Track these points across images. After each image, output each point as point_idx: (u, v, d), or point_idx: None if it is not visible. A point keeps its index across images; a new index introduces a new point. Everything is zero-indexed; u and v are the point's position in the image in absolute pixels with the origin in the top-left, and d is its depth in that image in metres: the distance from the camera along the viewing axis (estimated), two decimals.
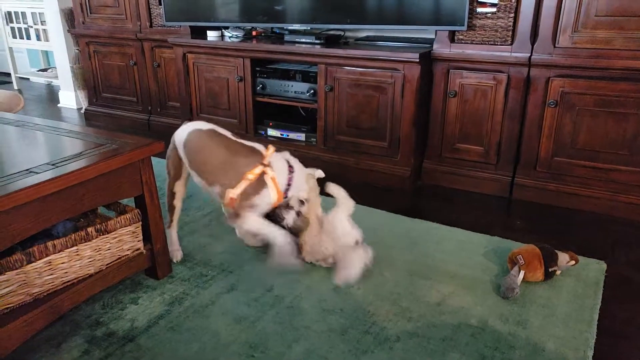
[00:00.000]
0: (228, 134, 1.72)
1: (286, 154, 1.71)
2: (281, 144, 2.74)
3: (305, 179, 1.66)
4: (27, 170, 1.30)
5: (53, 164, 1.35)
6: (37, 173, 1.28)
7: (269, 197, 1.61)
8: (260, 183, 1.59)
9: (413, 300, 1.54)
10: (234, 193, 1.58)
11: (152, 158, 1.61)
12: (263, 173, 1.60)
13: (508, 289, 1.54)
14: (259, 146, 1.68)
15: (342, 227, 1.63)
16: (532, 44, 2.10)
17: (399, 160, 2.41)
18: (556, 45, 2.06)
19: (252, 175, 1.59)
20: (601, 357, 1.33)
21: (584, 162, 2.14)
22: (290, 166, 1.66)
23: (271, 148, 1.67)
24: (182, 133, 1.70)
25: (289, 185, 1.64)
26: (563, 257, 1.63)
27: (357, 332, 1.40)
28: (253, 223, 1.61)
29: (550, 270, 1.59)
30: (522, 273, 1.58)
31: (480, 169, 2.37)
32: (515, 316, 1.47)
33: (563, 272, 1.66)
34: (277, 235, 1.60)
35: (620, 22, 1.93)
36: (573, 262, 1.65)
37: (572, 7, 1.99)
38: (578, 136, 2.12)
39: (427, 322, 1.45)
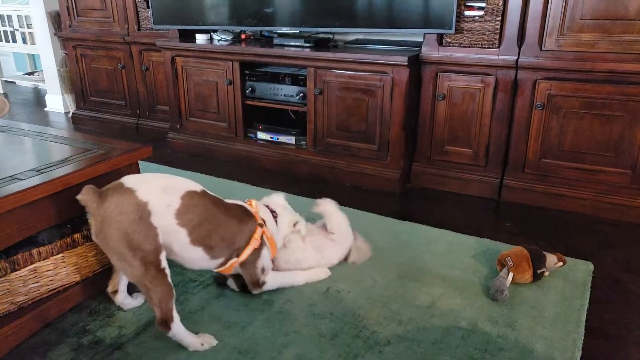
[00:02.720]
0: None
1: (271, 198, 1.65)
2: (271, 147, 2.73)
3: (288, 224, 1.61)
4: (11, 176, 1.29)
5: (38, 170, 1.34)
6: (21, 180, 1.27)
7: (269, 256, 1.55)
8: (259, 245, 1.49)
9: (403, 303, 1.55)
10: (238, 262, 1.46)
11: (140, 163, 1.60)
12: (262, 234, 1.50)
13: (497, 291, 1.55)
14: (241, 203, 1.53)
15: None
16: (519, 47, 2.12)
17: (389, 163, 2.41)
18: (543, 48, 2.08)
19: (256, 241, 1.47)
20: (589, 357, 1.34)
21: (570, 164, 2.16)
22: (272, 211, 1.59)
23: (253, 202, 1.55)
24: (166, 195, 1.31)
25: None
26: (551, 259, 1.65)
27: (347, 336, 1.40)
28: (277, 281, 1.58)
29: (538, 271, 1.61)
30: (511, 275, 1.59)
31: (469, 171, 2.38)
32: (504, 318, 1.47)
33: (551, 273, 1.67)
34: (305, 277, 1.64)
35: (605, 25, 1.95)
36: (561, 263, 1.66)
37: (558, 10, 2.01)
38: (565, 138, 2.14)
39: (417, 325, 1.45)
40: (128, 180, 1.28)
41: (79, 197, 1.22)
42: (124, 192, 1.24)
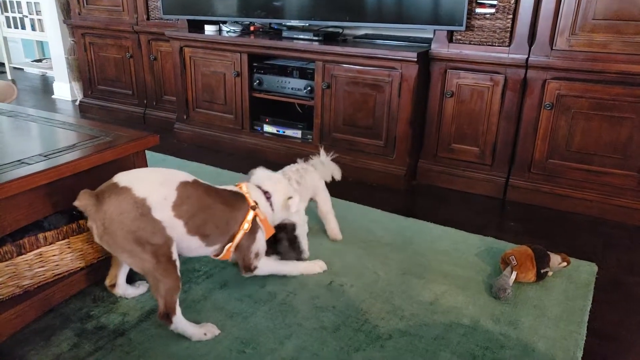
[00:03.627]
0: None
1: (258, 175, 1.61)
2: (277, 141, 2.73)
3: (282, 204, 1.59)
4: (18, 161, 1.29)
5: (45, 156, 1.34)
6: (28, 164, 1.27)
7: (263, 239, 1.53)
8: (253, 228, 1.48)
9: (406, 298, 1.55)
10: (233, 246, 1.46)
11: (147, 152, 1.60)
12: (255, 216, 1.48)
13: (500, 289, 1.55)
14: (232, 187, 1.52)
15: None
16: (530, 45, 2.10)
17: (395, 159, 2.41)
18: (553, 48, 2.06)
19: (247, 224, 1.46)
20: (590, 358, 1.34)
21: (578, 165, 2.15)
22: (265, 192, 1.56)
23: (243, 185, 1.53)
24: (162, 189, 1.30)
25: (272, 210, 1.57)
26: (555, 259, 1.64)
27: (349, 329, 1.40)
28: (269, 268, 1.58)
29: (542, 271, 1.60)
30: (514, 274, 1.59)
31: (475, 169, 2.37)
32: (506, 316, 1.47)
33: (555, 273, 1.67)
34: (299, 269, 1.64)
35: (617, 26, 1.93)
36: (565, 263, 1.66)
37: (570, 9, 1.99)
38: (573, 139, 2.13)
39: (419, 320, 1.45)
40: (121, 179, 1.27)
41: (76, 203, 1.21)
42: (120, 192, 1.23)
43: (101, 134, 1.56)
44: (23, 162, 1.29)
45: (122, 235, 1.22)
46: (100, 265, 1.49)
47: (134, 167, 1.54)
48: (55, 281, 1.38)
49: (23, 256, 1.29)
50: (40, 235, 1.32)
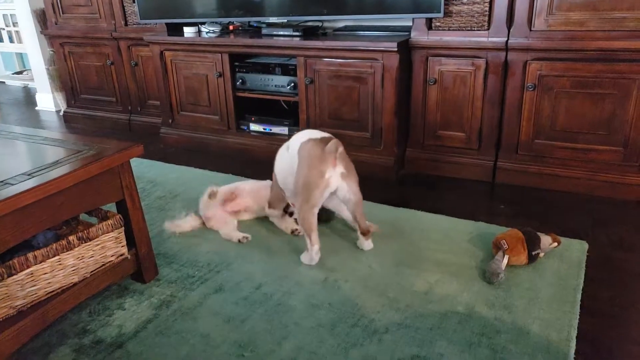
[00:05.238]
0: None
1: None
2: (264, 139, 2.72)
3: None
4: (2, 182, 1.28)
5: (29, 174, 1.33)
6: (12, 184, 1.26)
7: None
8: None
9: (400, 290, 1.56)
10: None
11: (133, 159, 1.59)
12: None
13: (493, 274, 1.57)
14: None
15: None
16: (509, 28, 2.10)
17: (382, 150, 2.41)
18: (532, 29, 2.06)
19: None
20: (585, 336, 1.36)
21: (563, 144, 2.17)
22: None
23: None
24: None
25: None
26: (545, 240, 1.66)
27: (346, 325, 1.41)
28: None
29: (533, 253, 1.62)
30: (506, 258, 1.60)
31: (462, 154, 2.38)
32: (500, 301, 1.49)
33: (546, 254, 1.69)
34: None
35: (593, 3, 1.94)
36: (555, 244, 1.68)
37: None
38: (557, 118, 2.14)
39: (414, 311, 1.46)
40: (324, 145, 1.65)
41: (327, 169, 1.65)
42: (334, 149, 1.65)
43: (85, 147, 1.55)
44: (7, 183, 1.27)
45: (354, 172, 1.72)
46: (93, 279, 1.49)
47: (120, 177, 1.53)
48: (49, 298, 1.38)
49: (14, 277, 1.28)
50: (30, 255, 1.31)
